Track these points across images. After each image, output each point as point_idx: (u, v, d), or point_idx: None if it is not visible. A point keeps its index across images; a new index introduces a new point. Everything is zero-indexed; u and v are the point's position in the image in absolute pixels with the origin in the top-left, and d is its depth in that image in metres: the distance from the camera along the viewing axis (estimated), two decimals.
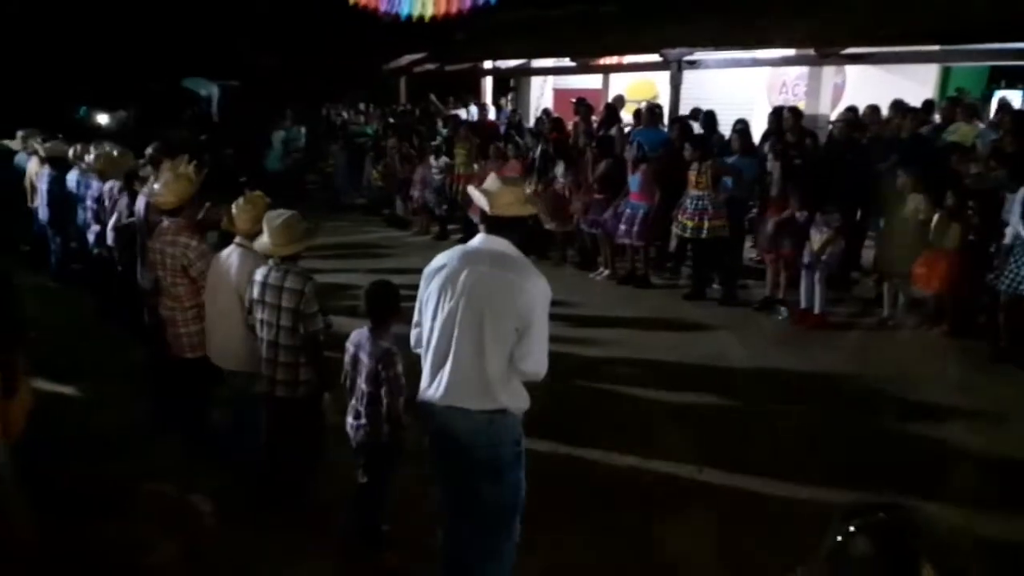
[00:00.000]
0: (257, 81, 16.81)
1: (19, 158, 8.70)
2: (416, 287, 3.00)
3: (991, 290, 6.16)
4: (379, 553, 3.59)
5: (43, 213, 7.82)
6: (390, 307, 3.41)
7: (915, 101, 9.49)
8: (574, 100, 10.86)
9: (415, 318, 3.05)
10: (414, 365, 3.11)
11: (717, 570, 3.55)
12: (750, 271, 8.25)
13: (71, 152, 7.38)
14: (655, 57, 11.22)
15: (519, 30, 13.76)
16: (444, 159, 10.61)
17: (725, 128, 8.95)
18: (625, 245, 8.27)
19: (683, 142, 7.92)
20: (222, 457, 4.20)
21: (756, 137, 8.77)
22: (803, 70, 11.25)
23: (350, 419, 3.50)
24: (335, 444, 3.73)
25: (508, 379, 2.82)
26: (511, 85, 16.69)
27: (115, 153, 6.49)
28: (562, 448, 4.56)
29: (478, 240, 2.95)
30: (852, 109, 9.17)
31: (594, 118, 10.43)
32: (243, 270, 3.89)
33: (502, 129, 12.31)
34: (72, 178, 7.22)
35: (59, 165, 7.51)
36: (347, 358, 3.49)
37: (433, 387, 2.89)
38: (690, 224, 7.55)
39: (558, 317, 6.63)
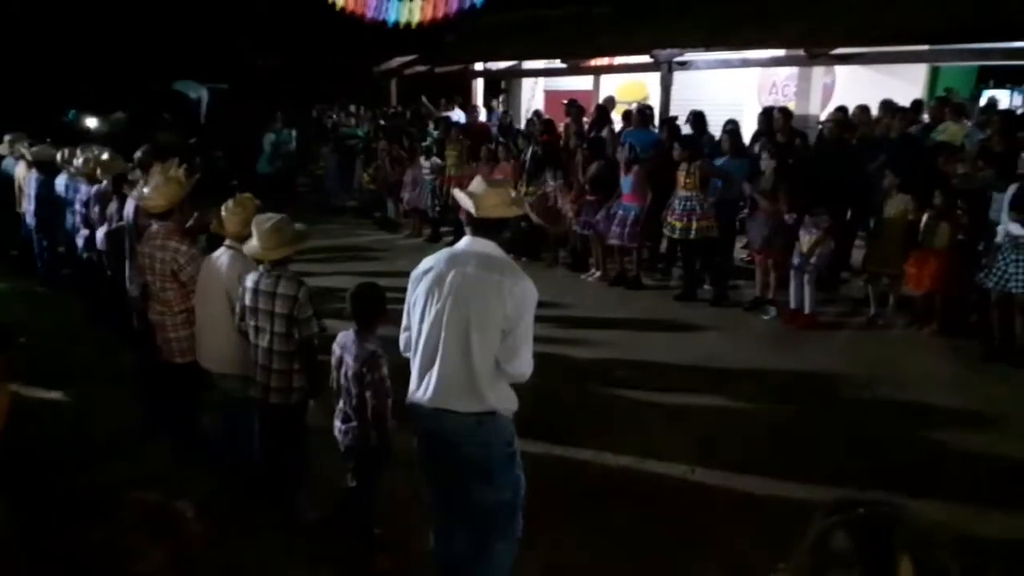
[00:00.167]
0: (257, 81, 16.74)
1: (6, 163, 8.66)
2: (406, 290, 3.00)
3: (980, 289, 6.19)
4: (371, 556, 3.58)
5: (31, 218, 7.79)
6: (376, 309, 3.40)
7: (904, 101, 9.56)
8: (565, 102, 10.88)
9: (404, 322, 3.04)
10: (400, 368, 3.10)
11: (709, 570, 3.55)
12: (741, 272, 8.27)
13: (59, 156, 7.34)
14: (646, 58, 11.23)
15: (511, 32, 13.76)
16: (435, 159, 10.58)
17: (716, 129, 8.97)
18: (614, 247, 8.28)
19: (672, 143, 7.94)
20: (214, 461, 4.18)
21: (746, 138, 8.80)
22: (793, 71, 11.27)
23: (338, 423, 3.49)
24: (324, 448, 3.71)
25: (496, 380, 2.83)
26: (502, 87, 16.68)
27: (104, 156, 6.46)
28: (554, 449, 4.56)
29: (464, 242, 2.95)
30: (842, 109, 9.20)
31: (585, 119, 10.44)
32: (232, 272, 3.87)
33: (493, 131, 12.30)
34: (60, 182, 7.19)
35: (47, 169, 7.48)
36: (333, 360, 3.48)
37: (421, 389, 2.88)
38: (679, 225, 7.57)
39: (550, 318, 6.68)
